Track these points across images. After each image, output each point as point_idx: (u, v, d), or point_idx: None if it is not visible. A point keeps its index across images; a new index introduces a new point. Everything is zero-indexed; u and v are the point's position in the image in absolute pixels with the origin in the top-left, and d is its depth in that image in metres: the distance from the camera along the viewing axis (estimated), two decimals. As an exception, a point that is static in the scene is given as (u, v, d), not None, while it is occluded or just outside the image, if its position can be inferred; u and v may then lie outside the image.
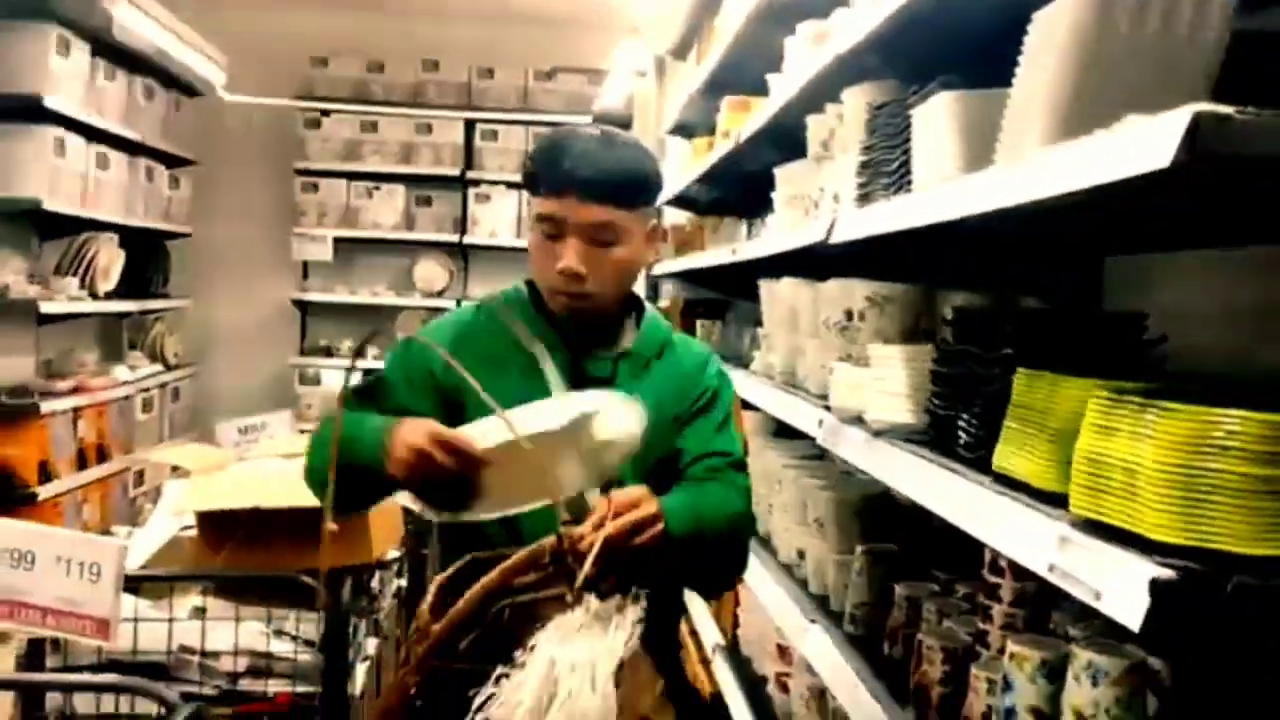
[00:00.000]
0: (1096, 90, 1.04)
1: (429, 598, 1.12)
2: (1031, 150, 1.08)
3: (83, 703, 1.97)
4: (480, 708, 0.98)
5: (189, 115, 5.74)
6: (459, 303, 1.57)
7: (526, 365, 1.44)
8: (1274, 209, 1.02)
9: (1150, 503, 0.80)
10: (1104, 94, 1.03)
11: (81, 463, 4.40)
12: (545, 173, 1.44)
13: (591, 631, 1.02)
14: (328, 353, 6.09)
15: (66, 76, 4.18)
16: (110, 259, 4.69)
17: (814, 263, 2.19)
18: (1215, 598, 0.76)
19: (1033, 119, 1.12)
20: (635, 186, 1.44)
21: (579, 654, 0.99)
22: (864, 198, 1.70)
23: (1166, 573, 0.77)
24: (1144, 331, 1.18)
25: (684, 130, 4.16)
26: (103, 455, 4.60)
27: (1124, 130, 0.83)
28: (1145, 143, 0.79)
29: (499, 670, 1.00)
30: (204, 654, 2.26)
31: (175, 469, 3.70)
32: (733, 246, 2.94)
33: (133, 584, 2.27)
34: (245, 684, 2.30)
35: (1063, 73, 1.07)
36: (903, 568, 1.83)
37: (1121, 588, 0.80)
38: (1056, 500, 0.97)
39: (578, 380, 1.44)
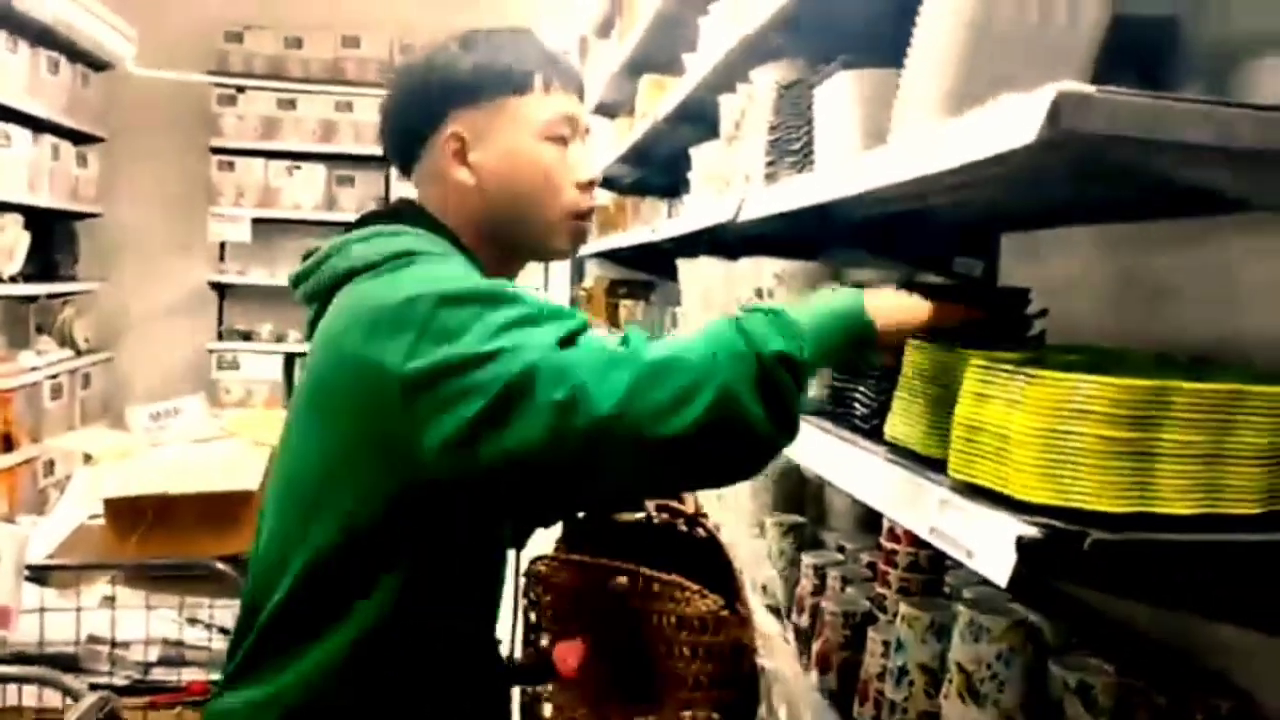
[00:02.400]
0: (980, 71, 1.07)
1: None
2: (920, 128, 1.11)
3: (-13, 696, 1.92)
4: None
5: (97, 90, 5.54)
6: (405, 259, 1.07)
7: None
8: (1135, 187, 1.07)
9: (1018, 464, 0.84)
10: (988, 74, 1.06)
11: (-13, 452, 4.25)
12: (556, 65, 1.21)
13: None
14: (246, 337, 5.97)
15: (-38, 49, 4.01)
16: (14, 240, 4.52)
17: (734, 243, 2.22)
18: (1076, 553, 0.80)
19: (922, 99, 1.15)
20: None
21: None
22: (771, 176, 1.72)
23: (1031, 530, 0.81)
24: (1027, 305, 1.23)
25: (606, 109, 4.15)
26: (9, 444, 4.45)
27: (996, 109, 0.86)
28: (1014, 120, 0.82)
29: None
30: (114, 644, 2.22)
31: (86, 457, 3.60)
32: (652, 226, 2.96)
33: (39, 574, 2.22)
34: (158, 673, 2.27)
35: (948, 54, 1.10)
36: (813, 538, 1.88)
37: (991, 546, 0.84)
38: (939, 466, 1.01)
39: None
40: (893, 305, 1.07)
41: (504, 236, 1.22)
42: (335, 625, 1.07)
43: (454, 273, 1.09)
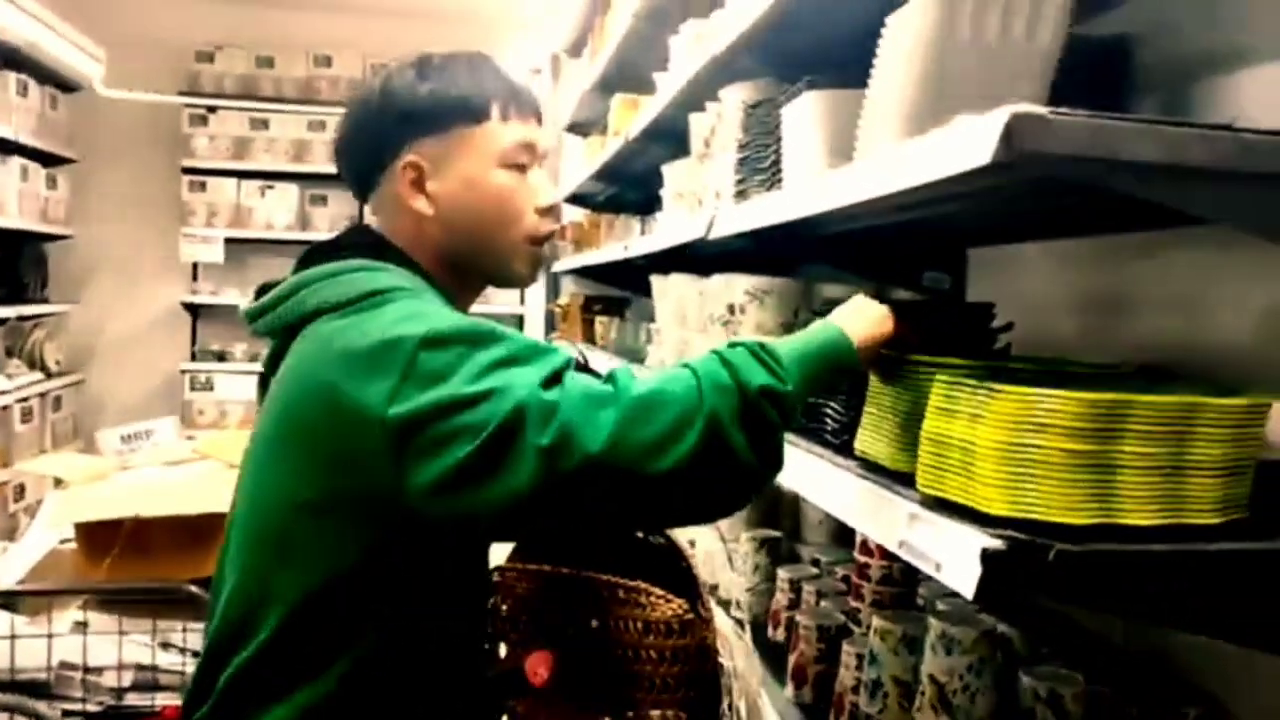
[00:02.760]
0: (941, 92, 1.09)
1: None
2: (883, 148, 1.13)
3: (-45, 727, 1.90)
4: None
5: (66, 112, 5.50)
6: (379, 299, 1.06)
7: None
8: (1094, 203, 1.09)
9: (983, 478, 0.86)
10: (947, 95, 1.08)
11: (-46, 477, 4.19)
12: (514, 92, 1.20)
13: None
14: (220, 357, 5.92)
15: (-72, 71, 3.97)
16: (-19, 263, 4.48)
17: (708, 259, 2.24)
18: (1039, 564, 0.81)
19: (885, 119, 1.17)
20: None
21: None
22: (741, 194, 1.74)
23: (996, 543, 0.82)
24: (991, 319, 1.25)
25: (579, 128, 4.18)
26: (-22, 469, 4.39)
27: (953, 129, 0.88)
28: (970, 141, 0.84)
29: None
30: (86, 670, 2.19)
31: (57, 481, 3.56)
32: (625, 243, 2.98)
33: (10, 600, 2.20)
34: (131, 699, 2.24)
35: (910, 75, 1.12)
36: (789, 552, 1.89)
37: (958, 559, 0.85)
38: (908, 480, 1.02)
39: None
40: (864, 321, 1.09)
41: (463, 263, 1.21)
42: (325, 666, 1.05)
43: (430, 310, 1.06)
